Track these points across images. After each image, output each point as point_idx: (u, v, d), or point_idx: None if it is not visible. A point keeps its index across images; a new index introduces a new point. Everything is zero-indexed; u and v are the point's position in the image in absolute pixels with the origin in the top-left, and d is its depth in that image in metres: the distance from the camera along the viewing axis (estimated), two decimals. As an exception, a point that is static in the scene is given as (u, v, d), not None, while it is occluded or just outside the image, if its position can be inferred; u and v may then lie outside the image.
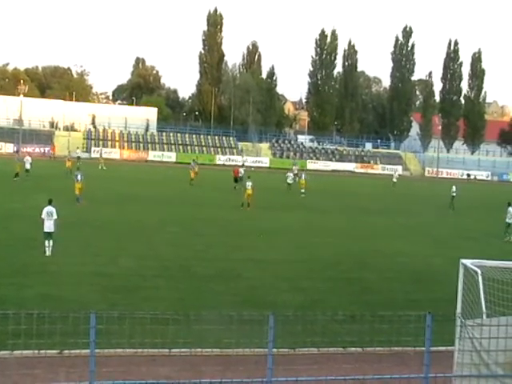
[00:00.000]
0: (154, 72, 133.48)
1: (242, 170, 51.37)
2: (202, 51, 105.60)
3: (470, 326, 10.00)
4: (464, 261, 10.91)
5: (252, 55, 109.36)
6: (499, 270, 11.10)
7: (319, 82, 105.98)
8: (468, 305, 10.47)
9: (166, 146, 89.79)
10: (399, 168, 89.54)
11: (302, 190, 46.35)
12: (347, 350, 12.77)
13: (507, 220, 30.42)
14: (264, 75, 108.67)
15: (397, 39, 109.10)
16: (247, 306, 14.98)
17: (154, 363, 11.76)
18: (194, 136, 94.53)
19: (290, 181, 48.32)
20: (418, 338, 10.25)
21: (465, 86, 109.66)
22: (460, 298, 10.75)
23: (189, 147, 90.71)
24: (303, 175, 49.57)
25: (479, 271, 10.40)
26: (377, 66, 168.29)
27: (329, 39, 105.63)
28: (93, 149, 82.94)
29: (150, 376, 10.56)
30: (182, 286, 17.97)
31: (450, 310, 10.74)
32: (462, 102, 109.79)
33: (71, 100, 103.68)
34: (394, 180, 62.22)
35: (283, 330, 9.94)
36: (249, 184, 37.60)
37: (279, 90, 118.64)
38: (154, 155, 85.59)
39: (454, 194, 44.16)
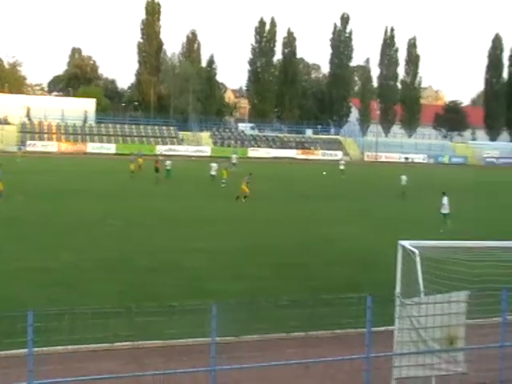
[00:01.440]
0: (91, 62, 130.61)
1: (169, 162, 50.60)
2: (141, 40, 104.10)
3: (409, 305, 10.22)
4: (402, 242, 11.12)
5: (191, 44, 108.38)
6: (436, 250, 11.39)
7: (259, 70, 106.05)
8: (407, 285, 10.69)
9: (105, 138, 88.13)
10: (339, 153, 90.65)
11: (223, 181, 46.17)
12: (290, 335, 12.86)
13: (442, 211, 29.02)
14: (204, 64, 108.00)
15: (335, 26, 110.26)
16: (190, 296, 14.91)
17: (97, 358, 11.54)
18: (133, 127, 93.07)
19: (213, 172, 48.18)
20: (359, 319, 10.39)
21: (401, 71, 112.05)
22: (399, 279, 10.97)
23: (128, 138, 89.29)
24: (226, 165, 49.64)
25: (417, 251, 10.62)
26: (316, 53, 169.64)
27: (268, 27, 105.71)
28: (28, 142, 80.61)
29: (92, 371, 10.33)
30: (124, 278, 17.71)
31: (391, 291, 10.92)
32: (399, 86, 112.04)
33: (3, 92, 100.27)
34: (342, 167, 60.35)
35: (227, 318, 9.89)
36: (246, 178, 38.24)
37: (219, 78, 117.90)
38: (92, 147, 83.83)
39: (405, 183, 43.82)
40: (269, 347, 12.17)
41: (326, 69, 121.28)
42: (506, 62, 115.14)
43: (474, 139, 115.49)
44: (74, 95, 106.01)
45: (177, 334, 11.72)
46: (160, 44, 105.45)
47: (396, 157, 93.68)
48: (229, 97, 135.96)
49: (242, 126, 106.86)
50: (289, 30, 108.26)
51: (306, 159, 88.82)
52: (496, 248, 11.85)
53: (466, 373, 10.24)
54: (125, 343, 11.96)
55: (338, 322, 12.45)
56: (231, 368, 9.64)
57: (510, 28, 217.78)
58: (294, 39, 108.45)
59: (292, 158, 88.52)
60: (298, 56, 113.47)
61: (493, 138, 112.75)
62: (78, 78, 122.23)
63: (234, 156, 62.06)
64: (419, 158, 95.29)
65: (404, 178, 44.22)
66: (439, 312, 9.87)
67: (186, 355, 11.36)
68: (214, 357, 9.12)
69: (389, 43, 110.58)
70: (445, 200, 29.18)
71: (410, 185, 44.27)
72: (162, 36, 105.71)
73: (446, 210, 29.04)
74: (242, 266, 19.80)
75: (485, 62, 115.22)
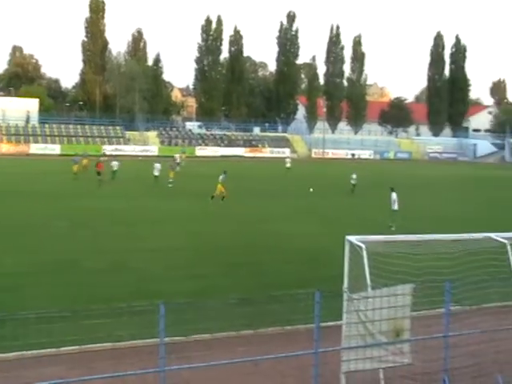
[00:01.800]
0: (33, 61, 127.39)
1: (115, 163, 49.62)
2: (85, 39, 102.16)
3: (356, 299, 10.35)
4: (349, 237, 11.25)
5: (137, 42, 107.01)
6: (382, 244, 11.57)
7: (206, 68, 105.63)
8: (354, 279, 10.83)
9: (49, 138, 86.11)
10: (287, 151, 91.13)
11: (170, 180, 45.84)
12: (240, 333, 12.84)
13: (393, 207, 28.69)
14: (150, 62, 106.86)
15: (281, 24, 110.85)
16: (138, 298, 14.69)
17: (42, 364, 11.25)
18: (78, 127, 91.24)
19: (156, 173, 47.35)
20: (308, 315, 10.45)
21: (347, 68, 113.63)
22: (347, 274, 11.10)
23: (74, 138, 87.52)
24: (171, 164, 49.47)
25: (363, 246, 10.76)
26: (262, 51, 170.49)
27: (214, 25, 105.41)
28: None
29: (37, 378, 10.07)
30: (70, 280, 17.35)
31: (339, 286, 11.03)
32: (345, 84, 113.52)
33: None
34: (288, 165, 60.69)
35: (175, 318, 9.80)
36: (221, 177, 37.05)
37: (166, 77, 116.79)
38: (36, 148, 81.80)
39: (354, 182, 44.18)
40: (218, 346, 12.13)
41: (272, 67, 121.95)
42: (447, 60, 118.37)
43: (418, 135, 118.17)
44: (16, 95, 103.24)
45: (125, 335, 11.55)
46: (105, 43, 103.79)
47: (343, 153, 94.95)
48: (176, 95, 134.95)
49: (189, 124, 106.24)
50: (235, 28, 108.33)
51: (254, 157, 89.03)
52: (439, 241, 12.14)
53: (412, 363, 10.45)
54: (72, 347, 11.71)
55: (287, 319, 12.50)
56: (180, 368, 9.56)
57: (451, 26, 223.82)
58: (241, 37, 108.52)
59: (240, 157, 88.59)
60: (245, 54, 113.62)
61: (436, 134, 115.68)
62: (20, 77, 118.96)
63: (177, 156, 61.11)
64: (365, 154, 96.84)
65: (354, 176, 44.83)
66: (385, 305, 10.03)
67: (135, 357, 11.21)
68: (163, 357, 9.02)
69: (334, 41, 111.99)
70: (394, 196, 29.22)
71: (359, 182, 44.87)
72: (107, 34, 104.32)
73: (395, 206, 29.02)
74: (191, 266, 19.68)
75: (427, 59, 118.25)
